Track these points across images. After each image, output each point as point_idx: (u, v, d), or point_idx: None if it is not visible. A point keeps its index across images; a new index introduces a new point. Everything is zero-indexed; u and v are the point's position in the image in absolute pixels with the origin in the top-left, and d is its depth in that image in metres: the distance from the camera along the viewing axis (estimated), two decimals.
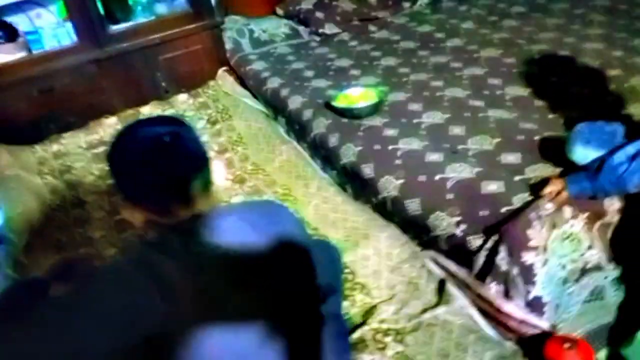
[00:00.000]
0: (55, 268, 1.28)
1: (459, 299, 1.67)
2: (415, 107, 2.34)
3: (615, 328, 1.55)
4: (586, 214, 1.59)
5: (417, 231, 1.88)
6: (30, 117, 2.69)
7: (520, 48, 2.76)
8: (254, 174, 2.48)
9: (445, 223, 1.75)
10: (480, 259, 1.63)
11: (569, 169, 1.68)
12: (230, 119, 2.88)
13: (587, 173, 1.55)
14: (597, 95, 2.20)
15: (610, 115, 1.84)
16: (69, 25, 2.69)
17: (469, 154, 1.98)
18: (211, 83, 3.13)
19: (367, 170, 2.06)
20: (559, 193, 1.59)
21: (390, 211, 1.98)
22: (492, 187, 1.79)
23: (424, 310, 1.65)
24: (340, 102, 2.38)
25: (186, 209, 0.99)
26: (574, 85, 2.29)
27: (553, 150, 1.85)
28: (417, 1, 3.65)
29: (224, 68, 3.21)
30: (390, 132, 2.18)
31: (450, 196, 1.81)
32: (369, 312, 1.67)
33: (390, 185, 1.96)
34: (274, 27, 3.37)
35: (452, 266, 1.74)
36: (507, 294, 1.56)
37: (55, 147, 2.67)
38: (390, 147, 2.08)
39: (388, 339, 1.58)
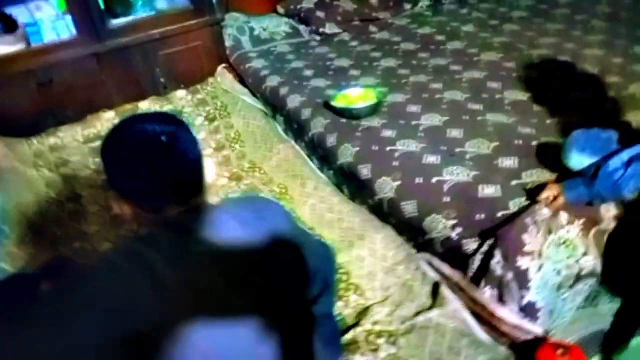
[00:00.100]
0: (48, 264, 1.27)
1: (453, 302, 1.66)
2: (414, 109, 2.34)
3: (609, 335, 1.55)
4: (582, 220, 1.59)
5: (413, 233, 1.88)
6: (29, 110, 2.68)
7: (520, 53, 2.76)
8: (251, 172, 2.47)
9: (441, 226, 1.75)
10: (475, 262, 1.63)
11: (566, 175, 1.68)
12: (228, 116, 2.87)
13: (584, 179, 1.56)
14: (596, 102, 2.20)
15: (609, 122, 1.84)
16: (68, 18, 2.68)
17: (467, 157, 1.98)
18: (210, 80, 3.12)
19: (365, 171, 2.06)
20: (555, 199, 1.60)
21: (386, 213, 1.98)
22: (488, 191, 1.78)
23: (418, 313, 1.65)
24: (339, 102, 2.38)
25: (177, 208, 0.99)
26: (574, 91, 2.29)
27: (550, 156, 1.85)
28: (418, 3, 3.65)
29: (224, 65, 3.20)
30: (388, 133, 2.17)
31: (446, 199, 1.80)
32: (363, 313, 1.67)
33: (387, 187, 1.96)
34: (275, 25, 3.36)
35: (447, 269, 1.73)
36: (501, 299, 1.56)
37: (52, 141, 2.66)
38: (388, 149, 2.08)
39: (381, 341, 1.57)
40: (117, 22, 2.85)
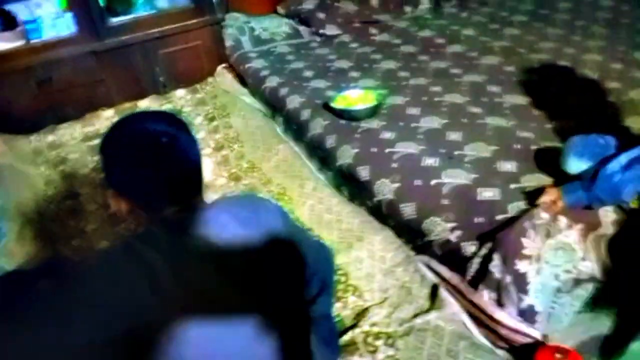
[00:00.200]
0: (46, 262, 1.27)
1: (451, 305, 1.66)
2: (413, 111, 2.34)
3: (608, 339, 1.55)
4: (581, 225, 1.59)
5: (412, 235, 1.88)
6: (28, 107, 2.68)
7: (520, 57, 2.77)
8: (250, 172, 2.47)
9: (440, 228, 1.75)
10: (474, 265, 1.63)
11: (565, 179, 1.68)
12: (227, 116, 2.87)
13: (582, 182, 1.56)
14: (595, 107, 2.20)
15: (608, 127, 1.84)
16: (68, 15, 2.68)
17: (466, 160, 1.98)
18: (210, 80, 3.13)
19: (363, 172, 2.06)
20: (554, 202, 1.60)
21: (385, 214, 1.98)
22: (487, 194, 1.78)
23: (416, 315, 1.65)
24: (338, 104, 2.38)
25: (175, 207, 0.99)
26: (573, 96, 2.30)
27: (549, 160, 1.85)
28: (418, 6, 3.65)
29: (223, 65, 3.20)
30: (387, 135, 2.17)
31: (445, 202, 1.80)
32: (361, 314, 1.67)
33: (385, 189, 1.95)
34: (275, 26, 3.36)
35: (446, 272, 1.73)
36: (499, 302, 1.56)
37: (50, 138, 2.66)
38: (387, 150, 2.08)
39: (379, 343, 1.57)
40: (117, 20, 2.86)
